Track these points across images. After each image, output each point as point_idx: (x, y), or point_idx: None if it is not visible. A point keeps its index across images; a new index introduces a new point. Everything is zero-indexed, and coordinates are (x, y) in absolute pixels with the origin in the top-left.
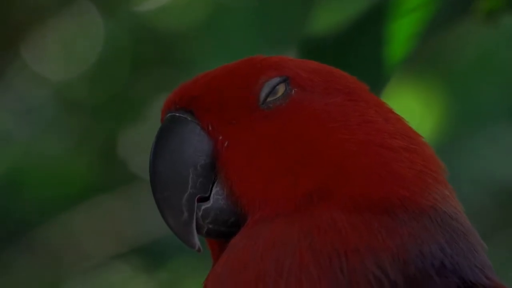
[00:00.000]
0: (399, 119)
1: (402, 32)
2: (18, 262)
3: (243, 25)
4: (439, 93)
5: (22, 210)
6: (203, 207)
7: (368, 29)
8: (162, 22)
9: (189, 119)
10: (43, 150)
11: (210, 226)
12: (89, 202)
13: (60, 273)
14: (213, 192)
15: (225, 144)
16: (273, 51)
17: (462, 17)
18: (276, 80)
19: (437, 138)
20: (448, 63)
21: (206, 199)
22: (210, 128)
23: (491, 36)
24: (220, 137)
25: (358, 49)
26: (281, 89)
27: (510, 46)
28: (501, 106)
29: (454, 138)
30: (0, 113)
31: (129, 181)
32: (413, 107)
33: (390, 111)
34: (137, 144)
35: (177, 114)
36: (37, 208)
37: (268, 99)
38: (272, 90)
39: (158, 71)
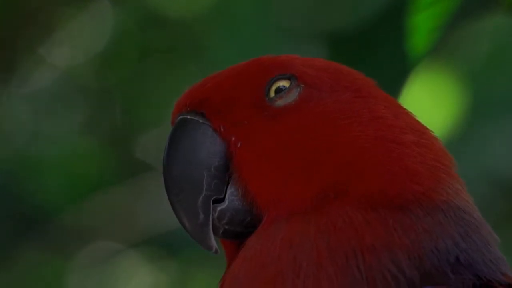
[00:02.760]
0: (408, 114)
1: (425, 24)
2: (30, 251)
3: (252, 11)
4: (450, 86)
5: (34, 200)
6: (218, 209)
7: (392, 21)
8: (171, 8)
9: (201, 121)
10: (54, 138)
11: (226, 227)
12: (100, 192)
13: (71, 263)
14: (227, 193)
15: (238, 145)
16: (283, 38)
17: (484, 10)
18: (284, 79)
19: (448, 131)
20: (460, 57)
21: (221, 200)
22: (222, 130)
23: (504, 30)
24: (233, 138)
25: (382, 41)
26: (289, 88)
27: None
28: (510, 98)
29: (464, 131)
30: (12, 100)
31: (140, 171)
32: (424, 101)
33: (399, 106)
34: (147, 132)
35: (189, 117)
36: (48, 198)
37: (277, 98)
38: (281, 89)
39: (167, 58)
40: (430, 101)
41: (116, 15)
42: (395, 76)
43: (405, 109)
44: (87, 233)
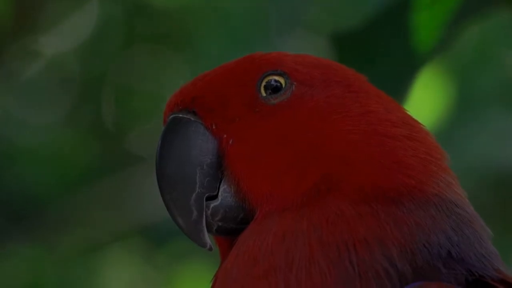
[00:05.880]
0: (399, 108)
1: (430, 22)
2: (16, 242)
3: (240, 1)
4: (436, 80)
5: (21, 191)
6: (212, 205)
7: (397, 18)
8: None
9: (193, 119)
10: (41, 129)
11: (220, 223)
12: (87, 184)
13: (57, 254)
14: (220, 190)
15: (230, 142)
16: (272, 28)
17: (488, 7)
18: (275, 76)
19: (434, 125)
20: (447, 52)
21: (214, 197)
22: (214, 127)
23: (489, 27)
24: (225, 135)
25: (387, 39)
26: (281, 84)
27: (507, 37)
28: (496, 93)
29: (450, 125)
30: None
31: (128, 162)
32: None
33: (391, 101)
34: (134, 124)
35: (180, 115)
36: (35, 189)
37: (269, 95)
38: (272, 86)
39: (154, 48)
40: (418, 95)
41: (102, 4)
42: (401, 74)
43: (396, 103)
44: (73, 224)
